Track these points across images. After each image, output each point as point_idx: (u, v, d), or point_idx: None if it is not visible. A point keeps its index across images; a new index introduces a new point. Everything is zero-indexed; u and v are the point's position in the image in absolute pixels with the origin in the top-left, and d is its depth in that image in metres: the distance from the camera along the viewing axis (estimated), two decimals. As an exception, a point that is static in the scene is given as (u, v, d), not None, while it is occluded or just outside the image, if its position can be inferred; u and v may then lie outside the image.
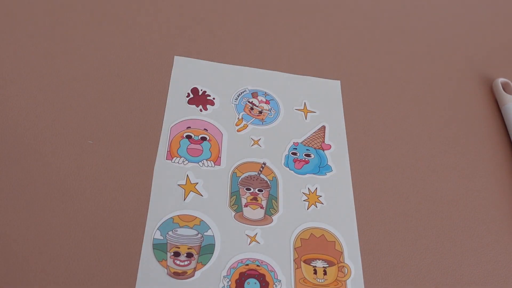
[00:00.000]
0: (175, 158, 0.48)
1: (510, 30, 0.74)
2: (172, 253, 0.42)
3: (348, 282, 0.44)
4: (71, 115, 0.49)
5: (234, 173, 0.48)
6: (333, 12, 0.67)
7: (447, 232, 0.49)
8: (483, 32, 0.72)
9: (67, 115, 0.49)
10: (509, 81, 0.63)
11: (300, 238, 0.45)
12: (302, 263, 0.44)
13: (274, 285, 0.42)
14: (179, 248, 0.42)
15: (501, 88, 0.62)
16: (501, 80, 0.63)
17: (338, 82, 0.58)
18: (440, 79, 0.63)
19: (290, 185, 0.48)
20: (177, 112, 0.51)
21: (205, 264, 0.42)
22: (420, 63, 0.64)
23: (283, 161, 0.50)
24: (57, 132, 0.47)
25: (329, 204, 0.48)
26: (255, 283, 0.42)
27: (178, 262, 0.42)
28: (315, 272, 0.44)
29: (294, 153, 0.51)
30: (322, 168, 0.50)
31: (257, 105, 0.54)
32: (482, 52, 0.69)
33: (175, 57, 0.56)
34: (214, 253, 0.43)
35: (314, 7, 0.67)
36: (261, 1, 0.65)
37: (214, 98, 0.53)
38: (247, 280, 0.42)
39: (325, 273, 0.44)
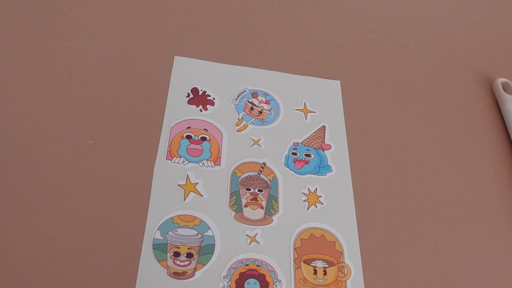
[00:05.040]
0: (175, 158, 0.48)
1: (510, 30, 0.74)
2: (172, 253, 0.42)
3: (348, 282, 0.44)
4: (71, 115, 0.49)
5: (234, 173, 0.48)
6: (333, 12, 0.67)
7: (447, 232, 0.49)
8: (483, 32, 0.72)
9: (67, 115, 0.49)
10: (509, 81, 0.63)
11: (300, 238, 0.45)
12: (302, 263, 0.44)
13: (274, 285, 0.42)
14: (179, 248, 0.42)
15: (501, 88, 0.62)
16: (501, 80, 0.63)
17: (338, 82, 0.58)
18: (440, 79, 0.63)
19: (290, 185, 0.48)
20: (177, 112, 0.51)
21: (205, 264, 0.42)
22: (420, 63, 0.64)
23: (283, 161, 0.50)
24: (57, 132, 0.47)
25: (329, 204, 0.48)
26: (255, 283, 0.42)
27: (178, 262, 0.42)
28: (315, 272, 0.44)
29: (294, 153, 0.51)
30: (322, 168, 0.50)
31: (257, 105, 0.54)
32: (482, 52, 0.69)
33: (175, 57, 0.56)
34: (214, 253, 0.43)
35: (314, 7, 0.67)
36: (261, 1, 0.65)
37: (214, 98, 0.53)
38: (247, 280, 0.42)
39: (325, 273, 0.44)
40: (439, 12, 0.73)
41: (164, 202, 0.45)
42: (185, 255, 0.42)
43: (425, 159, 0.54)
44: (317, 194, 0.48)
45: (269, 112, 0.54)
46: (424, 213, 0.50)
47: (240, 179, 0.48)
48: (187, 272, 0.41)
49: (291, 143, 0.52)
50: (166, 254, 0.42)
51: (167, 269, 0.41)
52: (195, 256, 0.42)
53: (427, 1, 0.74)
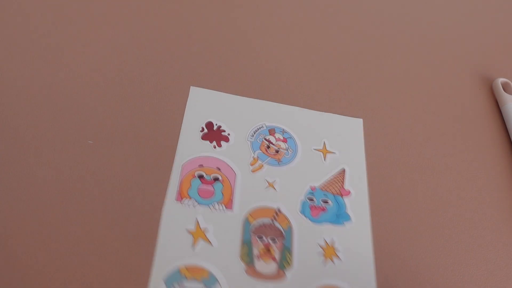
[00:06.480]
0: (184, 199, 0.45)
1: (510, 30, 0.73)
2: (177, 309, 0.39)
3: None
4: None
5: (246, 219, 0.45)
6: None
7: (447, 232, 0.49)
8: (483, 32, 0.71)
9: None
10: (509, 81, 0.62)
11: (314, 297, 0.42)
12: (315, 325, 0.41)
13: None
14: (184, 303, 0.40)
15: (501, 88, 0.62)
16: (501, 80, 0.62)
17: (361, 120, 0.55)
18: (440, 79, 0.62)
19: (305, 236, 0.45)
20: (189, 148, 0.48)
21: (211, 322, 0.39)
22: (421, 67, 0.62)
23: (299, 208, 0.47)
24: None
25: (346, 258, 0.45)
26: None
27: (183, 319, 0.39)
28: (329, 336, 0.41)
29: (310, 199, 0.48)
30: (339, 216, 0.47)
31: (273, 143, 0.51)
32: (482, 52, 0.68)
33: (191, 87, 0.53)
34: (221, 310, 0.40)
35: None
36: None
37: (229, 134, 0.50)
38: None
39: (339, 337, 0.41)
40: (439, 12, 0.71)
41: (172, 249, 0.42)
42: (191, 311, 0.39)
43: (425, 158, 0.54)
44: (333, 247, 0.45)
45: (286, 151, 0.51)
46: (424, 213, 0.49)
47: (252, 226, 0.45)
48: (192, 331, 0.39)
49: (308, 187, 0.49)
50: (171, 309, 0.39)
51: (171, 326, 0.39)
52: (201, 313, 0.40)
53: (427, 2, 0.72)
